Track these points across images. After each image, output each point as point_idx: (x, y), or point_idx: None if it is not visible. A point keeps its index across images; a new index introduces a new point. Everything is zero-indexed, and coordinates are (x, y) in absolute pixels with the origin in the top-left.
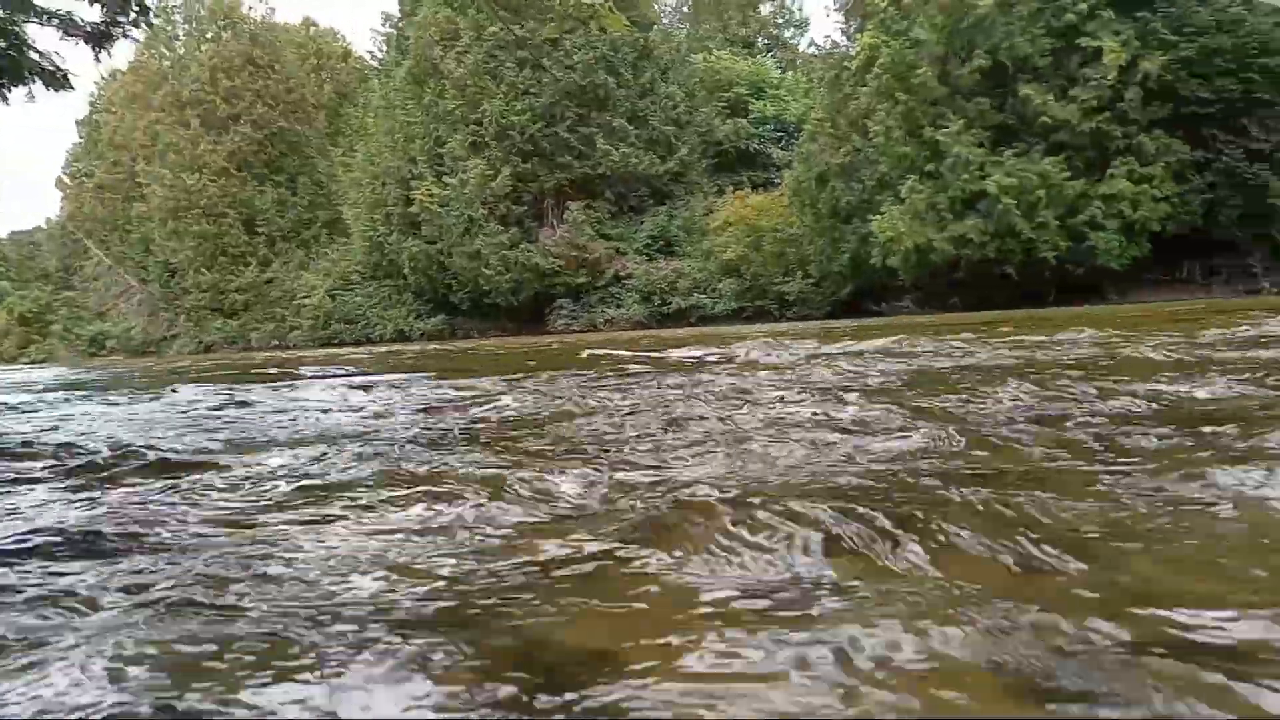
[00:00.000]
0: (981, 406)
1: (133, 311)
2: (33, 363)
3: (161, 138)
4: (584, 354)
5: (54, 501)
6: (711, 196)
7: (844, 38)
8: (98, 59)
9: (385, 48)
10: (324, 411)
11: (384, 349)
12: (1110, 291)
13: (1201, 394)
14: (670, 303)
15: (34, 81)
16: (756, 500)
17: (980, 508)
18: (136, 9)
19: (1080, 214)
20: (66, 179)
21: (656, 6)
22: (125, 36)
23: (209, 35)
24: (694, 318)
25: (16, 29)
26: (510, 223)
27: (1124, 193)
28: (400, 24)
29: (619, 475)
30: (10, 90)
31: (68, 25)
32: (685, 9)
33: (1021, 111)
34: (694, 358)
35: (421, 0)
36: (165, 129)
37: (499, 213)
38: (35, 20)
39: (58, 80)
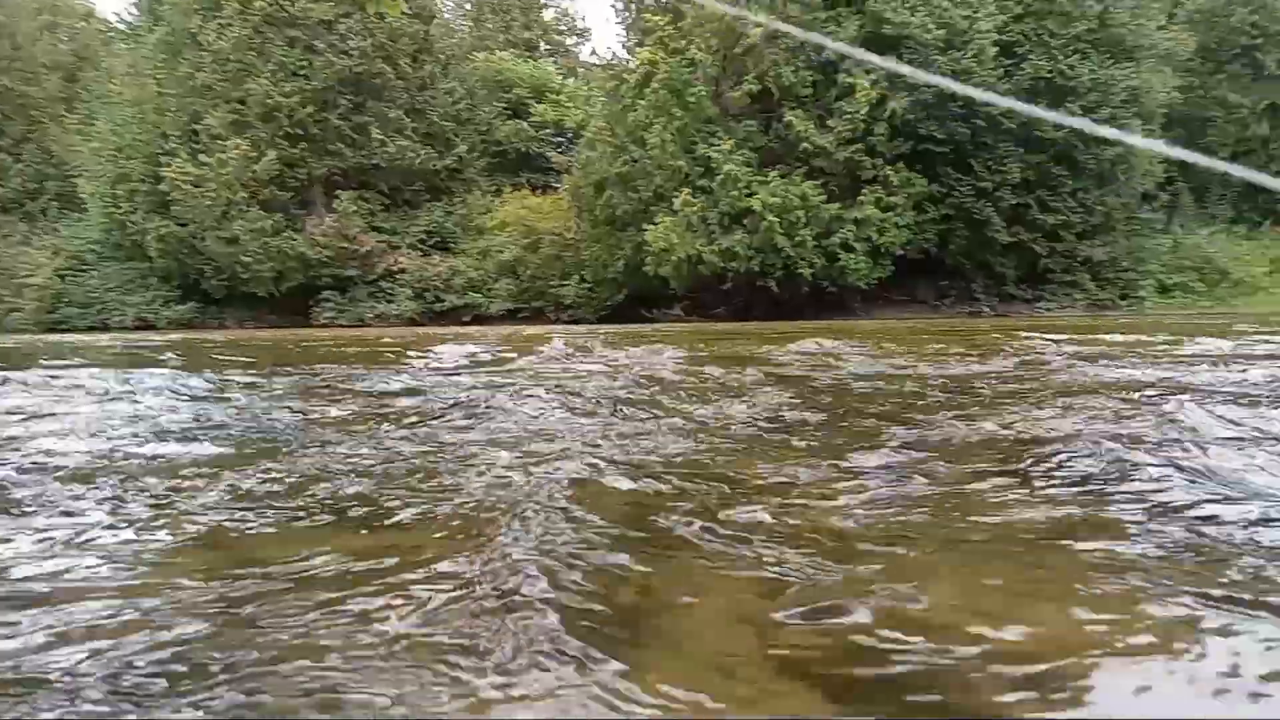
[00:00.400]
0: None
1: None
2: None
3: None
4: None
5: None
6: (490, 195)
7: (624, 50)
8: None
9: (136, 11)
10: None
11: (108, 339)
12: (858, 308)
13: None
14: (444, 300)
15: None
16: None
17: None
18: None
19: (834, 235)
20: None
21: (439, 1)
22: None
23: None
24: (468, 316)
25: None
26: (274, 209)
27: (872, 218)
28: None
29: None
30: None
31: None
32: (468, 6)
33: (786, 136)
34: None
35: None
36: None
37: (261, 197)
38: None
39: None
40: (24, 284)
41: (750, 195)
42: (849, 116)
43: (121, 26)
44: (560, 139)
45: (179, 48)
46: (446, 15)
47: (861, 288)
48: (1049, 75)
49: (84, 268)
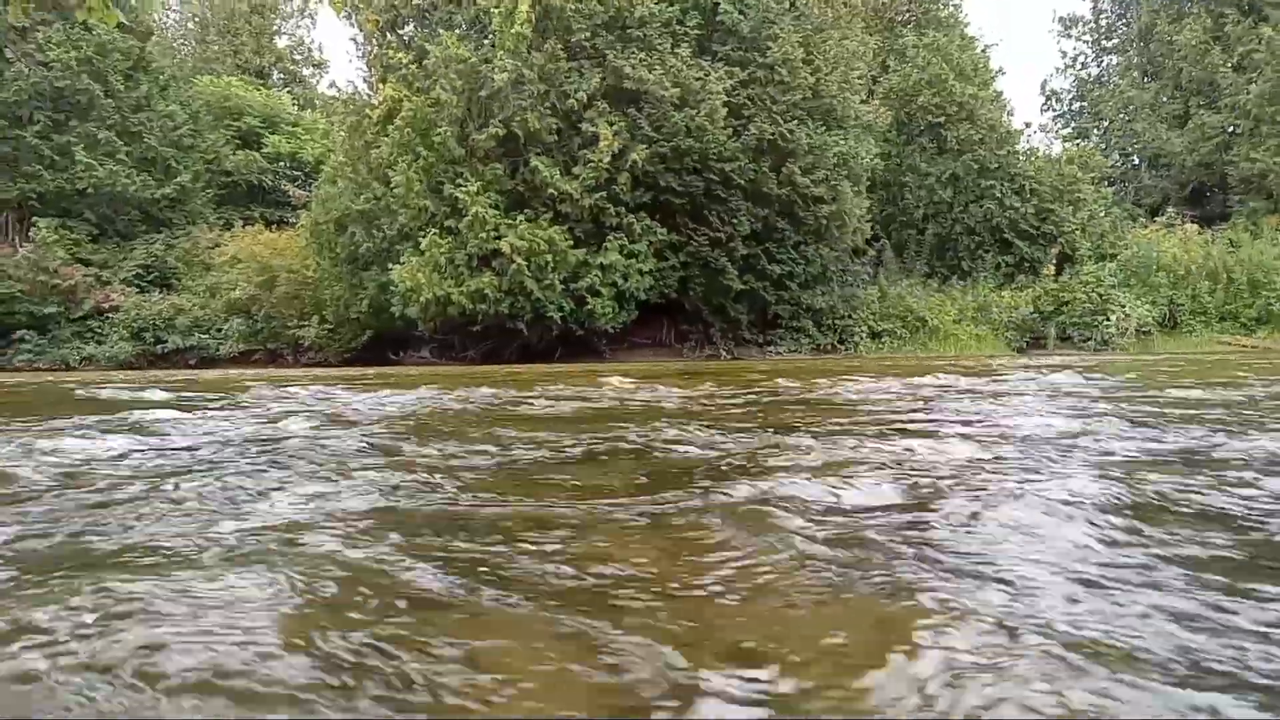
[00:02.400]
0: None
1: None
2: None
3: None
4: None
5: None
6: (218, 229)
7: (365, 85)
8: None
9: None
10: None
11: None
12: (604, 351)
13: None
14: (166, 341)
15: None
16: None
17: None
18: None
19: (582, 280)
20: None
21: (158, 18)
22: None
23: None
24: (194, 359)
25: None
26: None
27: (616, 265)
28: None
29: None
30: None
31: None
32: (191, 25)
33: (532, 180)
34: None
35: None
36: None
37: None
38: None
39: None
40: None
41: (499, 238)
42: (593, 165)
43: None
44: (297, 173)
45: None
46: (167, 34)
47: (608, 331)
48: (772, 137)
49: None
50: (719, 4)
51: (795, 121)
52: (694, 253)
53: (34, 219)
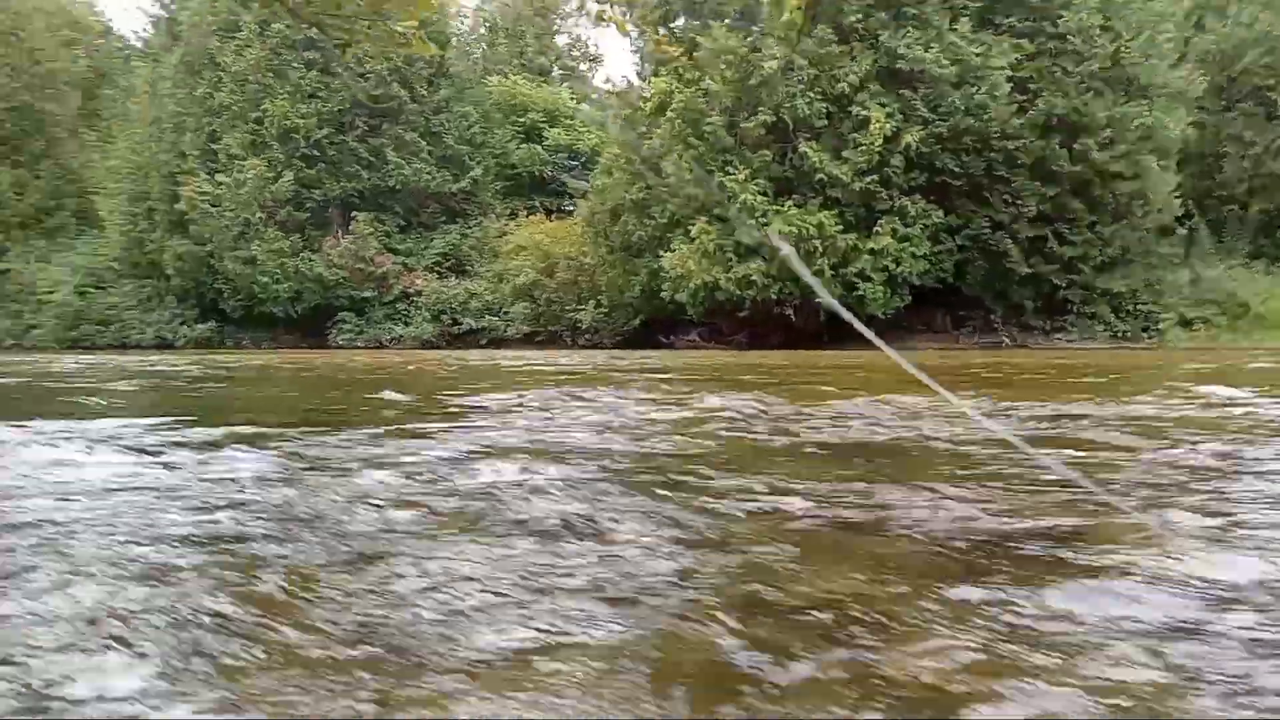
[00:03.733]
0: None
1: None
2: None
3: None
4: (384, 396)
5: None
6: (504, 219)
7: (638, 78)
8: None
9: (153, 30)
10: None
11: (137, 359)
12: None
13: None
14: (461, 323)
15: None
16: None
17: None
18: None
19: (851, 265)
20: None
21: (453, 25)
22: None
23: None
24: (484, 340)
25: None
26: (291, 229)
27: (888, 249)
28: (172, 6)
29: None
30: None
31: None
32: (482, 30)
33: (800, 166)
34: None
35: None
36: None
37: (279, 218)
38: None
39: None
40: (43, 300)
41: (767, 224)
42: (864, 148)
43: (139, 45)
44: (574, 162)
45: (198, 68)
46: (461, 39)
47: (879, 316)
48: (1063, 112)
49: (103, 285)
50: None
51: (1091, 94)
52: (973, 235)
53: (353, 214)
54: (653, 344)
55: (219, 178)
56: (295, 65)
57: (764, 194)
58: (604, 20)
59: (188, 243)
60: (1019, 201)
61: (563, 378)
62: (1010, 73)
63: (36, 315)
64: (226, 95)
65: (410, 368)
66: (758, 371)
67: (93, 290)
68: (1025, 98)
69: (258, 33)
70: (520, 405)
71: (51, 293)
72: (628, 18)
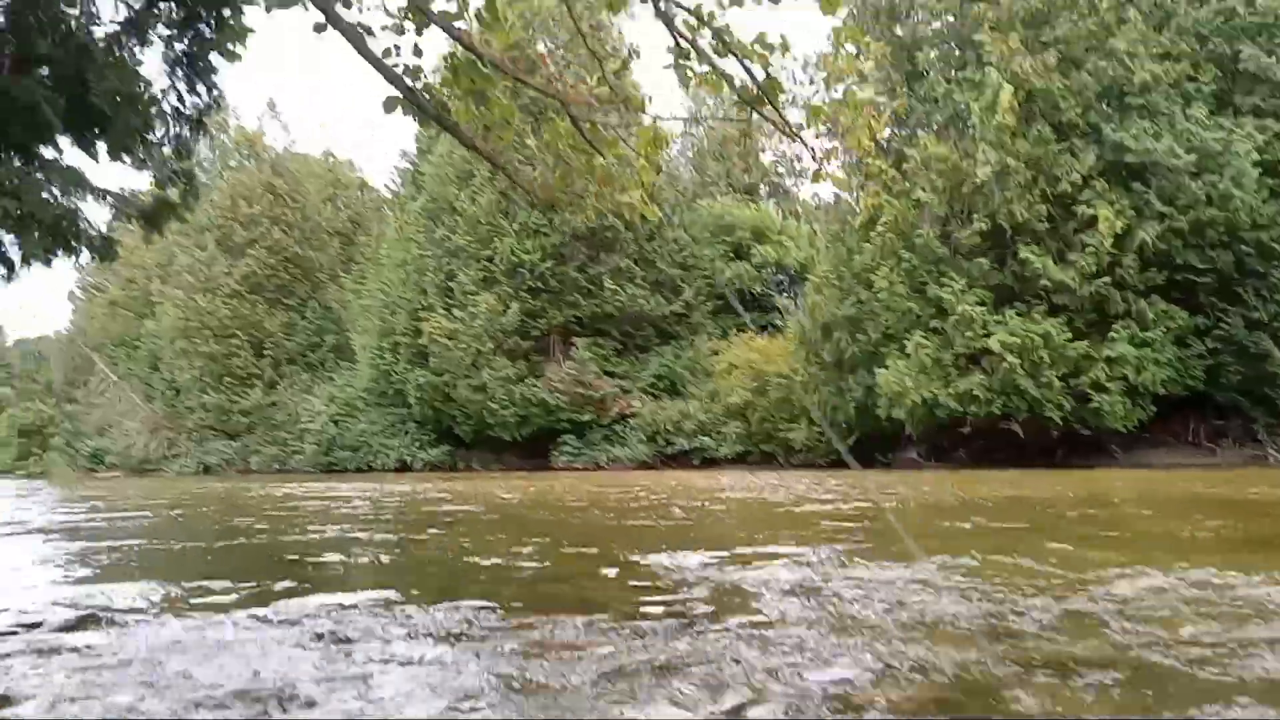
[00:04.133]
0: None
1: (134, 429)
2: (28, 476)
3: (177, 258)
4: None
5: None
6: (715, 338)
7: (846, 193)
8: (148, 240)
9: (401, 181)
10: None
11: (373, 486)
12: (1117, 450)
13: None
14: (674, 443)
15: (81, 252)
16: None
17: None
18: (184, 182)
19: (1084, 375)
20: (79, 292)
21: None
22: (175, 218)
23: (231, 163)
24: (697, 460)
25: (74, 205)
26: (517, 357)
27: (1126, 356)
28: (416, 160)
29: None
30: (57, 256)
31: (122, 204)
32: (689, 154)
33: (1021, 273)
34: None
35: (437, 139)
36: (182, 250)
37: (506, 347)
38: (92, 197)
39: (106, 251)
40: (306, 429)
41: (987, 335)
42: (1091, 249)
43: (388, 195)
44: (781, 278)
45: (437, 213)
46: (671, 164)
47: (1120, 431)
48: None
49: (353, 414)
50: (1240, 51)
51: None
52: (1225, 337)
53: (573, 339)
54: (869, 462)
55: (455, 312)
56: (521, 206)
57: (982, 304)
58: (821, 179)
59: (428, 373)
60: (1278, 296)
61: (811, 516)
62: (1258, 156)
63: (299, 442)
64: (461, 237)
65: (641, 494)
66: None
67: (346, 419)
68: (1276, 181)
69: (488, 178)
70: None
71: (311, 422)
72: (841, 166)
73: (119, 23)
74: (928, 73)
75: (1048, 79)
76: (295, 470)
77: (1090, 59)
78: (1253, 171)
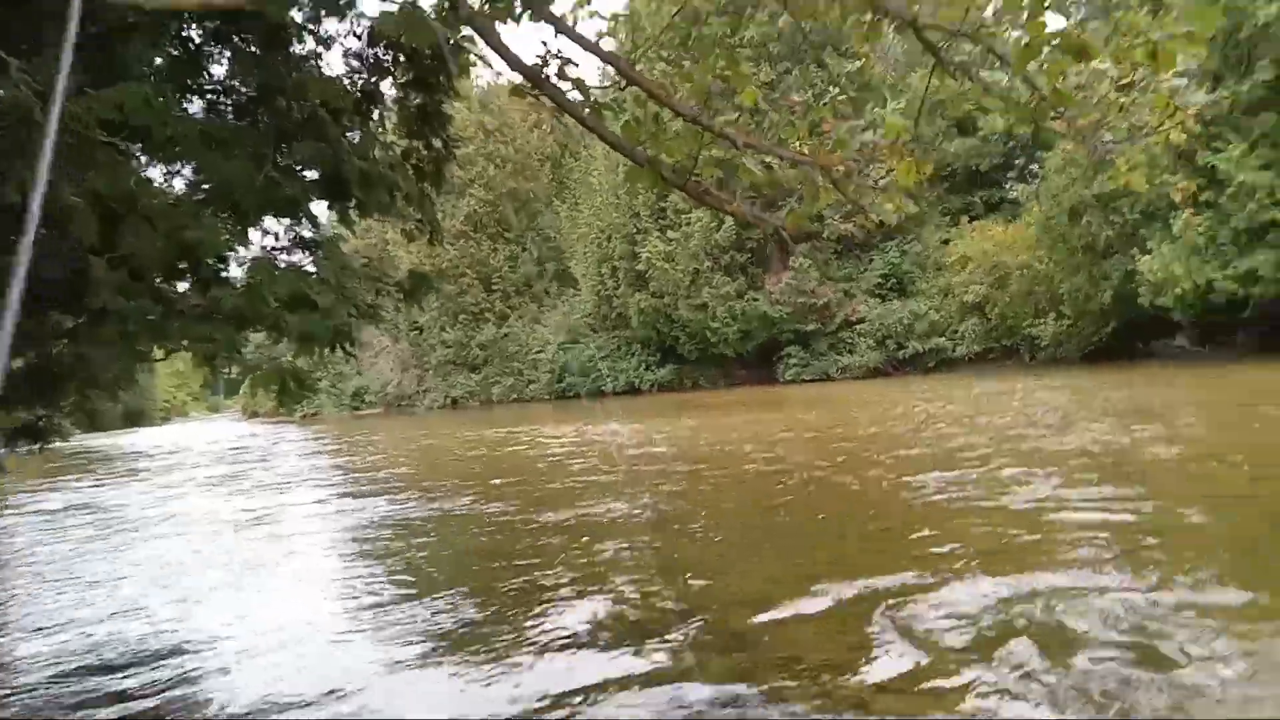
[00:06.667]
0: None
1: (388, 367)
2: (305, 417)
3: None
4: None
5: None
6: (944, 227)
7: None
8: None
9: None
10: None
11: (612, 403)
12: None
13: None
14: (906, 347)
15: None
16: None
17: None
18: (430, 229)
19: None
20: None
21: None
22: (431, 290)
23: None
24: (932, 363)
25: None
26: (735, 272)
27: None
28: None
29: None
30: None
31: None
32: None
33: None
34: None
35: (638, 61)
36: None
37: (723, 263)
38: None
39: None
40: (537, 358)
41: (1276, 205)
42: None
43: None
44: (1011, 146)
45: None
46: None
47: None
48: None
49: (579, 340)
50: None
51: None
52: None
53: (790, 246)
54: (1130, 353)
55: (669, 234)
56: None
57: (1267, 167)
58: None
59: (647, 296)
60: None
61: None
62: None
63: (534, 371)
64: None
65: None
66: None
67: (572, 345)
68: None
69: (688, 95)
70: None
71: (541, 351)
72: None
73: (359, 93)
74: None
75: None
76: (533, 399)
77: None
78: None
